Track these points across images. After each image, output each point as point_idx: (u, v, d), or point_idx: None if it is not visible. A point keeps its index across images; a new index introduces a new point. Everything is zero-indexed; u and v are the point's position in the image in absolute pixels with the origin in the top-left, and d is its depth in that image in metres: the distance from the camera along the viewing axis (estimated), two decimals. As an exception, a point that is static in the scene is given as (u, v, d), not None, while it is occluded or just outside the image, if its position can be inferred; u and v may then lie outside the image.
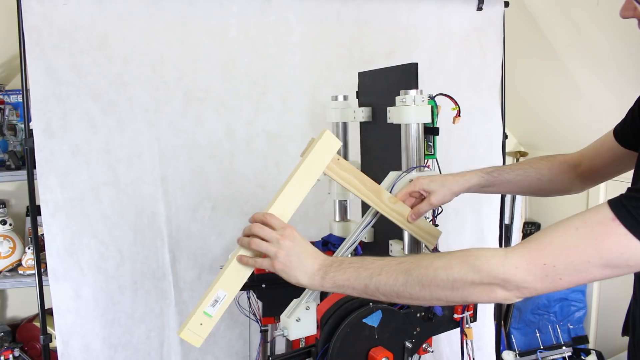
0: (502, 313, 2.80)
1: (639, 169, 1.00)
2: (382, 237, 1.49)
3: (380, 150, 1.52)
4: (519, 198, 3.02)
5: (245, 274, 1.03)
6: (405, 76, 1.34)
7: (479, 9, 2.21)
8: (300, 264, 0.97)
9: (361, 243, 1.41)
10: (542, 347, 2.74)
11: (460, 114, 1.29)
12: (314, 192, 1.11)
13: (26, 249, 2.15)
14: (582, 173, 1.24)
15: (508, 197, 2.87)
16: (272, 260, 0.97)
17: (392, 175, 1.26)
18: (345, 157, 1.61)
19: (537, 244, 0.80)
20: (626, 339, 1.10)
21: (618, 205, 0.77)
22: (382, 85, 1.48)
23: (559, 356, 2.71)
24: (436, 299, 0.87)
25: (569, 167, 1.25)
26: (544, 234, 0.81)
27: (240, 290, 1.05)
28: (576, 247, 0.77)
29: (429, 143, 1.29)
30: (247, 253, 1.02)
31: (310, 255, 0.98)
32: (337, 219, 1.63)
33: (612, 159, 1.17)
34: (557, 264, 0.78)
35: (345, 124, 1.62)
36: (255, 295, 1.50)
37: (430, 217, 1.29)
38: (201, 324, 0.99)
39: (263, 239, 0.99)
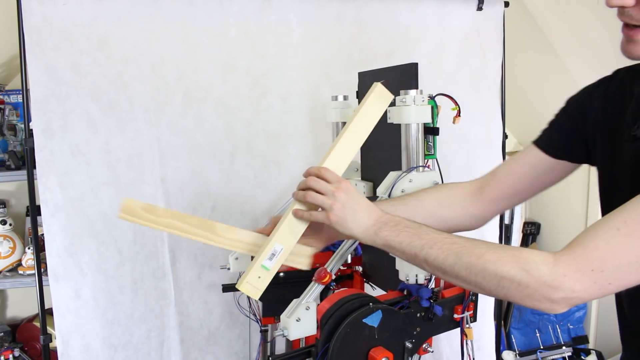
0: (502, 313, 2.80)
1: (606, 184, 0.99)
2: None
3: (380, 150, 1.52)
4: (519, 198, 3.02)
5: (300, 228, 1.04)
6: (405, 76, 1.34)
7: (479, 9, 2.21)
8: (354, 217, 0.97)
9: (361, 243, 1.41)
10: (542, 347, 2.74)
11: (460, 114, 1.29)
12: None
13: (26, 249, 2.15)
14: (488, 198, 1.13)
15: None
16: (327, 212, 0.97)
17: (392, 175, 1.26)
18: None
19: (583, 249, 0.77)
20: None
21: None
22: (382, 85, 1.47)
23: (559, 356, 2.71)
24: (479, 287, 0.85)
25: (469, 192, 1.15)
26: (587, 238, 0.77)
27: (240, 290, 1.05)
28: (622, 249, 0.74)
29: (429, 143, 1.29)
30: (302, 207, 1.03)
31: (366, 209, 0.98)
32: (337, 219, 1.62)
33: (537, 174, 1.08)
34: (604, 268, 0.74)
35: (345, 124, 1.62)
36: (255, 295, 1.50)
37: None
38: (259, 277, 1.02)
39: (318, 192, 0.99)
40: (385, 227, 0.95)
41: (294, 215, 1.03)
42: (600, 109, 1.00)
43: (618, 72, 1.02)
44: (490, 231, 2.37)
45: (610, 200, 0.97)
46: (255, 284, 1.01)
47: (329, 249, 1.56)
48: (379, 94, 1.10)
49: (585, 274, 0.75)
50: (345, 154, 1.07)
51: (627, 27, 0.84)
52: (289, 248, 1.03)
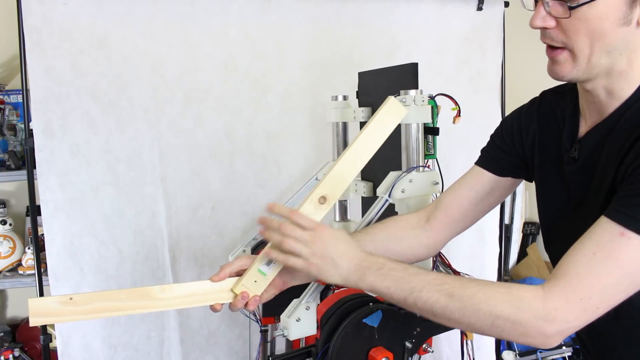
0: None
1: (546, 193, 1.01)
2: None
3: (380, 150, 1.52)
4: (519, 198, 3.02)
5: None
6: (405, 76, 1.34)
7: (479, 9, 2.21)
8: (335, 265, 0.94)
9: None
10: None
11: (460, 114, 1.29)
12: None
13: (26, 249, 2.14)
14: (436, 227, 1.14)
15: (508, 197, 2.87)
16: (307, 262, 0.94)
17: (392, 175, 1.26)
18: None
19: (568, 279, 0.78)
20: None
21: (621, 217, 0.75)
22: (382, 85, 1.48)
23: (559, 356, 2.70)
24: (472, 327, 0.85)
25: (418, 223, 1.15)
26: (569, 267, 0.79)
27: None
28: (602, 273, 0.76)
29: (429, 143, 1.29)
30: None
31: (345, 255, 0.95)
32: (337, 219, 1.63)
33: (481, 195, 1.11)
34: (591, 295, 0.76)
35: (345, 124, 1.62)
36: (255, 295, 1.50)
37: None
38: (255, 282, 1.00)
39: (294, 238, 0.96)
40: (368, 272, 0.92)
41: (266, 255, 0.99)
42: (536, 131, 1.04)
43: (545, 94, 1.06)
44: (491, 231, 2.37)
45: (553, 219, 0.98)
46: (251, 288, 1.00)
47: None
48: (391, 108, 1.04)
49: (575, 304, 0.77)
50: (351, 169, 1.03)
51: (550, 48, 0.87)
52: None
